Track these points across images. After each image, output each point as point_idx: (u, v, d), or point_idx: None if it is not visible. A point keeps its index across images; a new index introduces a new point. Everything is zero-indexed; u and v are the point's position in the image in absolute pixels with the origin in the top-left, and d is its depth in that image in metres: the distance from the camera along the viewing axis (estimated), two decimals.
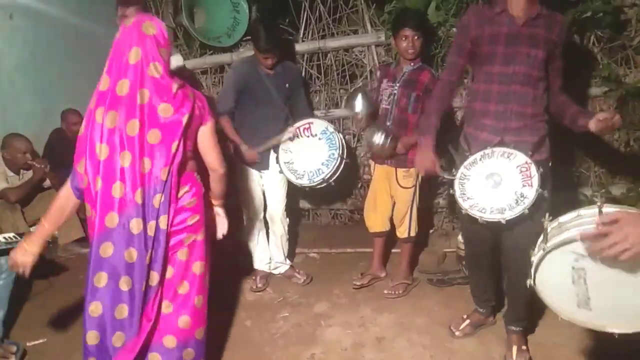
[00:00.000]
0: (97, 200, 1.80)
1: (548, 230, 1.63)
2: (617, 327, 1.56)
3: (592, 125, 2.08)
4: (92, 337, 1.85)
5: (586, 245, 1.38)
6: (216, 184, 2.16)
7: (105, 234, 1.81)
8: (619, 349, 2.35)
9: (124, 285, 1.82)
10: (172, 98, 1.83)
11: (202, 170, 2.11)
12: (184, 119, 1.85)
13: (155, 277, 1.88)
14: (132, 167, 1.78)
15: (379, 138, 2.70)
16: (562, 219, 1.62)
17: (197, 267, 2.04)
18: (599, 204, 1.48)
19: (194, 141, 1.99)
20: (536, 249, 1.65)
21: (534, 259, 1.63)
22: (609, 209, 1.49)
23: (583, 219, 1.55)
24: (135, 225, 1.81)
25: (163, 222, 1.86)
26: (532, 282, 1.65)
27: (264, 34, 2.77)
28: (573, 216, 1.59)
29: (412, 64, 2.79)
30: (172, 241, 1.94)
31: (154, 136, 1.82)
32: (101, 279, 1.82)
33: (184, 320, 2.01)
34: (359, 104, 2.86)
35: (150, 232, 1.83)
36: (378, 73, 3.09)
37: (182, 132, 1.85)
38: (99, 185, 1.80)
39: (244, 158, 2.94)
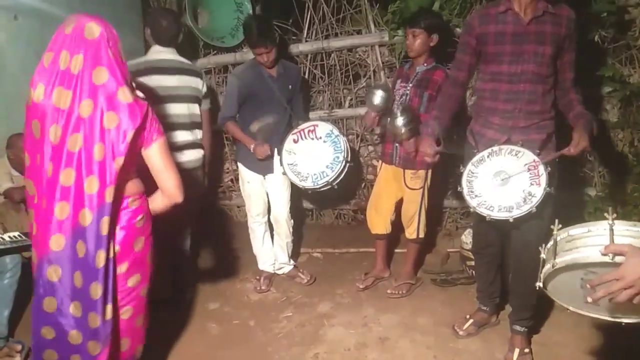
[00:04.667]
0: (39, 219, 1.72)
1: (557, 240, 1.61)
2: (623, 317, 1.57)
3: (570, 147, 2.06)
4: None
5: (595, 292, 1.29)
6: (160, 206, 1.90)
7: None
8: (623, 350, 2.36)
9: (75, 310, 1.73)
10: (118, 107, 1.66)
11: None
12: (129, 135, 1.66)
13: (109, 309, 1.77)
14: (77, 185, 1.65)
15: (400, 120, 2.64)
16: (572, 231, 1.58)
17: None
18: (609, 221, 1.46)
19: (140, 160, 1.80)
20: (545, 255, 1.64)
21: (543, 269, 1.61)
22: (620, 226, 1.46)
23: (592, 237, 1.51)
24: (80, 249, 1.70)
25: (111, 250, 1.75)
26: (541, 285, 1.64)
27: (255, 26, 2.75)
28: (583, 231, 1.55)
29: (425, 64, 2.75)
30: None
31: (99, 151, 1.65)
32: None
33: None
34: (378, 97, 2.79)
35: (100, 262, 1.70)
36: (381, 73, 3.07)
37: (127, 148, 1.67)
38: (43, 204, 1.69)
39: (257, 155, 2.91)
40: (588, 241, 1.51)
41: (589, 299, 1.24)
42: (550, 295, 1.69)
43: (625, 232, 1.45)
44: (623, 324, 1.58)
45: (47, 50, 1.70)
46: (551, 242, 1.64)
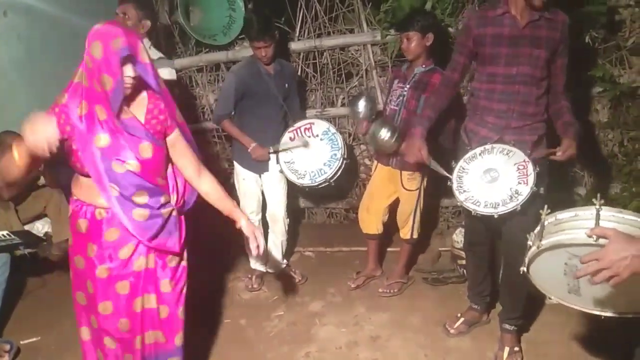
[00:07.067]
0: None
1: (545, 225, 1.66)
2: (603, 310, 1.63)
3: (558, 151, 2.12)
4: None
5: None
6: None
7: None
8: (612, 348, 2.39)
9: None
10: None
11: None
12: None
13: None
14: None
15: (384, 133, 2.66)
16: (560, 215, 1.65)
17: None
18: (597, 206, 1.51)
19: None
20: (532, 239, 1.69)
21: (528, 252, 1.67)
22: (606, 212, 1.51)
23: (579, 221, 1.57)
24: None
25: None
26: (525, 269, 1.70)
27: (255, 20, 2.75)
28: (571, 215, 1.62)
29: (423, 65, 2.73)
30: None
31: None
32: None
33: None
34: (361, 107, 2.84)
35: None
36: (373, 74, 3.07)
37: None
38: None
39: (255, 156, 2.92)
40: (575, 224, 1.57)
41: (573, 278, 1.33)
42: (533, 281, 1.74)
43: (611, 217, 1.51)
44: (602, 317, 1.64)
45: None
46: (538, 228, 1.69)
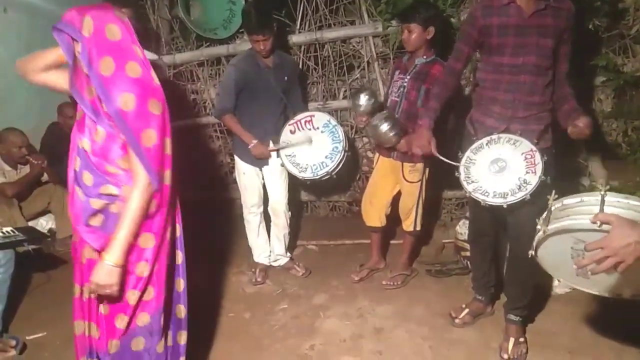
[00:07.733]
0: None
1: (552, 210, 1.68)
2: (611, 293, 1.64)
3: (569, 129, 2.10)
4: None
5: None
6: None
7: None
8: (616, 338, 2.39)
9: None
10: None
11: None
12: None
13: None
14: None
15: (385, 126, 2.66)
16: (566, 201, 1.67)
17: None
18: (602, 192, 1.52)
19: None
20: (539, 224, 1.70)
21: (536, 236, 1.68)
22: (611, 198, 1.53)
23: (585, 206, 1.59)
24: None
25: None
26: (533, 253, 1.71)
27: (254, 13, 2.74)
28: (576, 201, 1.64)
29: (424, 56, 2.72)
30: None
31: None
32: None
33: None
34: (363, 101, 2.84)
35: None
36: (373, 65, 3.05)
37: None
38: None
39: (256, 154, 2.92)
40: (580, 210, 1.59)
41: (574, 266, 1.32)
42: (541, 265, 1.75)
43: (616, 203, 1.52)
44: (611, 300, 1.66)
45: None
46: (546, 213, 1.71)
